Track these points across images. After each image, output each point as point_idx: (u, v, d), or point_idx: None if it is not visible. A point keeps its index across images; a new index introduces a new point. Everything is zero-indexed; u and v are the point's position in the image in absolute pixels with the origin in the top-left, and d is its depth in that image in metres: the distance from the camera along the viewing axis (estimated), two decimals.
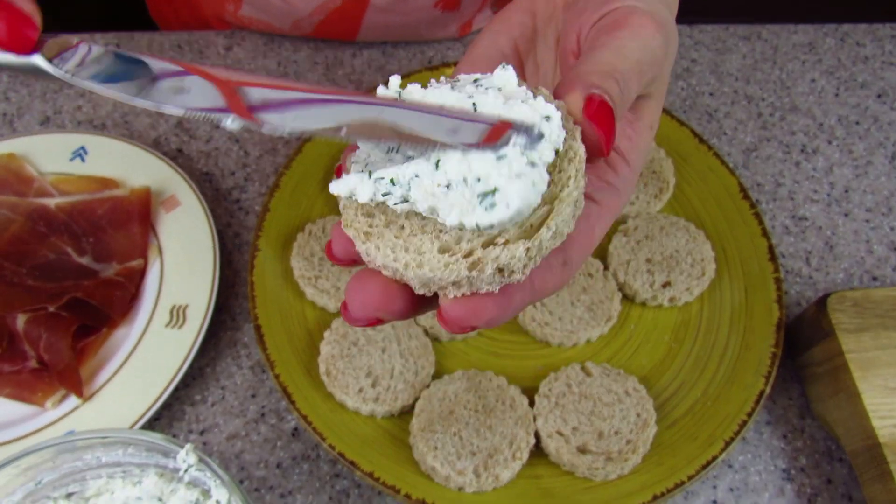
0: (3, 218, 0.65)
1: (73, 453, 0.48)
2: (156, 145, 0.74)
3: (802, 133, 0.77)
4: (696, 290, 0.62)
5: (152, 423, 0.59)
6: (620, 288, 0.63)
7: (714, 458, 0.54)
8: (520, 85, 0.29)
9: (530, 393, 0.57)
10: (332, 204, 0.67)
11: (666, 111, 0.72)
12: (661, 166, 0.68)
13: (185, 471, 0.46)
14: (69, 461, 0.48)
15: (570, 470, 0.54)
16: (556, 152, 0.28)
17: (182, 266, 0.63)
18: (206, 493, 0.49)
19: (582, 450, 0.54)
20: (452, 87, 0.29)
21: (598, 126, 0.29)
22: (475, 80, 0.29)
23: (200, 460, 0.46)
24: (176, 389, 0.60)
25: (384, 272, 0.28)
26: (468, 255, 0.27)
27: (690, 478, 0.53)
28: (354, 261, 0.31)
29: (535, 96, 0.28)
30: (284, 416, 0.59)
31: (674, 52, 0.34)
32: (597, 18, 0.32)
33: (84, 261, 0.64)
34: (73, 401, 0.57)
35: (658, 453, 0.55)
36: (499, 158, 0.26)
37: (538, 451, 0.55)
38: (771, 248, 0.64)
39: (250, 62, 0.80)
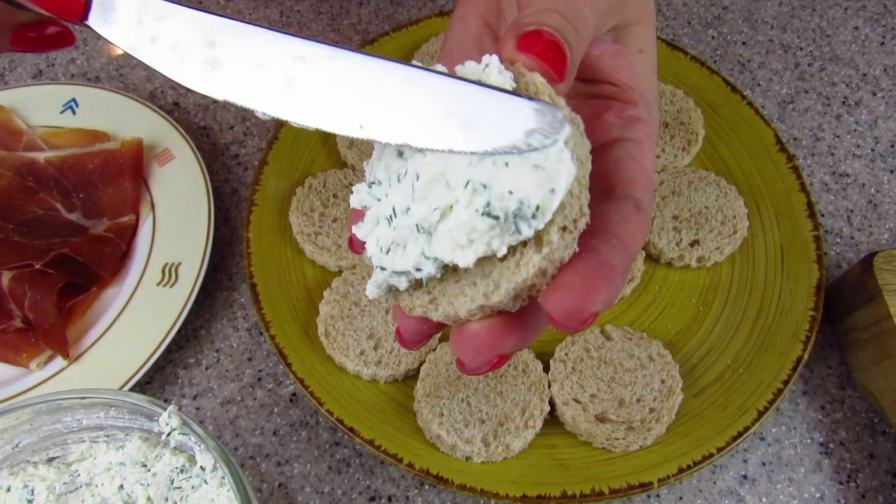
0: None
1: (51, 415, 0.45)
2: (151, 98, 0.70)
3: (844, 84, 0.71)
4: (727, 250, 0.57)
5: (143, 387, 0.55)
6: (644, 247, 0.58)
7: (746, 430, 0.49)
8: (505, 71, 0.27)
9: (545, 358, 0.53)
10: (335, 157, 0.62)
11: (695, 58, 0.67)
12: (689, 117, 0.63)
13: (168, 434, 0.43)
14: (48, 423, 0.45)
15: (587, 440, 0.50)
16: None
17: (175, 222, 0.59)
18: (193, 459, 0.45)
19: (601, 418, 0.49)
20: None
21: (531, 53, 0.27)
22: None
23: (184, 423, 0.42)
24: (168, 352, 0.57)
25: (474, 318, 0.27)
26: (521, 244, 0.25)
27: (720, 450, 0.49)
28: (429, 335, 0.31)
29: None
30: (282, 380, 0.56)
31: None
32: None
33: (73, 217, 0.60)
34: (59, 362, 0.54)
35: (684, 423, 0.50)
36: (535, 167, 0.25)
37: (553, 420, 0.51)
38: (810, 205, 0.59)
39: (251, 12, 0.76)
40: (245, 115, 0.69)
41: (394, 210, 0.27)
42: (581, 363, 0.52)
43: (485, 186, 0.25)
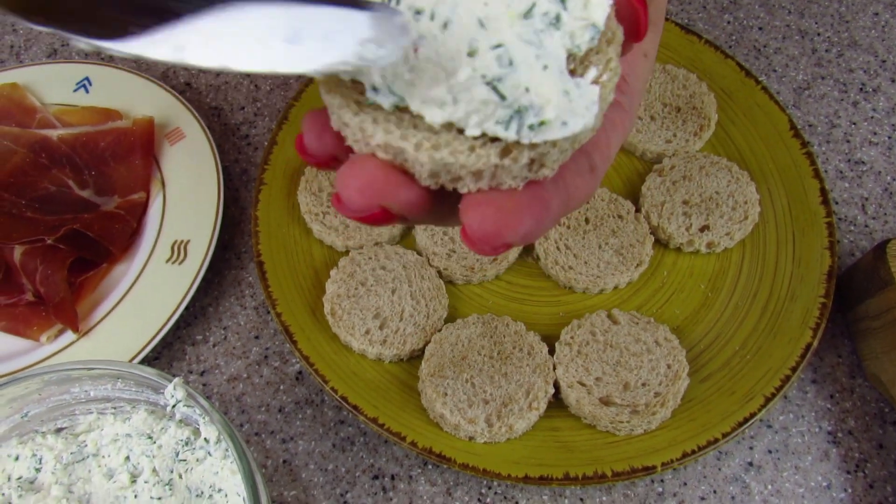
0: (4, 149, 0.62)
1: (60, 385, 0.45)
2: (164, 78, 0.70)
3: (862, 71, 0.70)
4: (738, 235, 0.56)
5: (151, 363, 0.56)
6: (653, 232, 0.57)
7: (752, 416, 0.49)
8: None
9: (550, 341, 0.52)
10: None
11: (709, 42, 0.66)
12: (702, 102, 0.62)
13: (174, 406, 0.43)
14: (56, 394, 0.46)
15: (591, 423, 0.49)
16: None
17: (185, 200, 0.60)
18: (198, 432, 0.46)
19: (605, 402, 0.49)
20: None
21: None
22: None
23: (189, 395, 0.42)
24: (177, 328, 0.57)
25: (381, 156, 0.23)
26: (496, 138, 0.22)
27: (725, 435, 0.48)
28: (335, 157, 0.25)
29: None
30: (288, 358, 0.56)
31: None
32: None
33: (85, 194, 0.61)
34: (68, 336, 0.54)
35: (689, 408, 0.50)
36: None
37: (557, 402, 0.51)
38: (823, 191, 0.58)
39: None
40: (256, 95, 0.69)
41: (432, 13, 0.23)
42: (587, 346, 0.52)
43: (511, 63, 0.22)
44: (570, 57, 0.23)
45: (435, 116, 0.22)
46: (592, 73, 0.23)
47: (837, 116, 0.67)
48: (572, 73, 0.23)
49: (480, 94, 0.21)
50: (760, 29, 0.73)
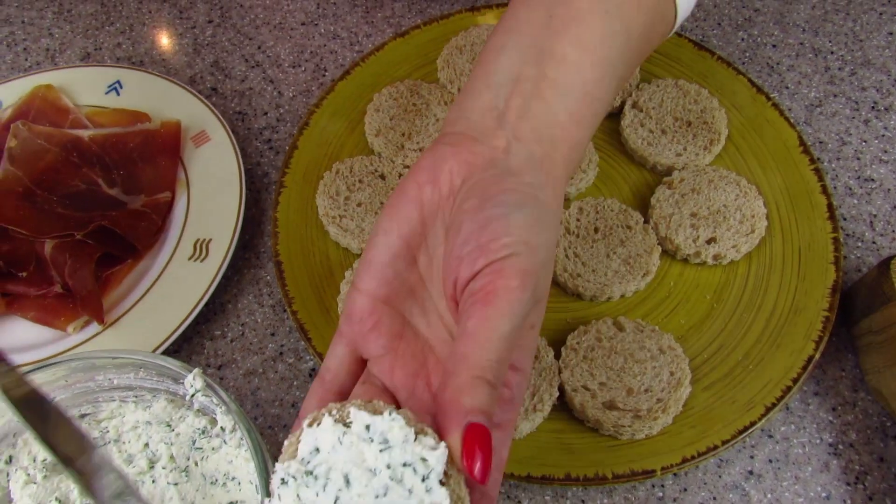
0: (38, 147, 0.65)
1: (85, 373, 0.48)
2: (191, 83, 0.73)
3: (874, 89, 0.71)
4: (744, 248, 0.57)
5: (171, 356, 0.58)
6: (661, 242, 0.59)
7: (752, 424, 0.50)
8: (409, 424, 0.31)
9: (556, 346, 0.54)
10: (362, 144, 0.64)
11: (721, 59, 0.67)
12: (713, 117, 0.63)
13: (192, 396, 0.45)
14: (82, 381, 0.48)
15: (594, 427, 0.51)
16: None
17: (208, 201, 0.62)
18: (214, 422, 0.48)
19: (608, 406, 0.51)
20: (344, 434, 0.31)
21: (474, 464, 0.30)
22: (367, 427, 0.31)
23: (207, 385, 0.44)
24: (196, 323, 0.59)
25: None
26: None
27: (725, 442, 0.49)
28: None
29: (416, 437, 0.31)
30: (302, 356, 0.58)
31: (552, 264, 0.37)
32: (472, 273, 0.34)
33: (113, 192, 0.64)
34: (94, 327, 0.57)
35: (691, 415, 0.51)
36: None
37: (561, 406, 0.52)
38: (830, 207, 0.59)
39: (288, 3, 0.78)
40: (279, 102, 0.72)
41: None
42: (592, 352, 0.53)
43: None
44: None
45: None
46: None
47: (848, 134, 0.68)
48: None
49: None
50: (774, 46, 0.74)
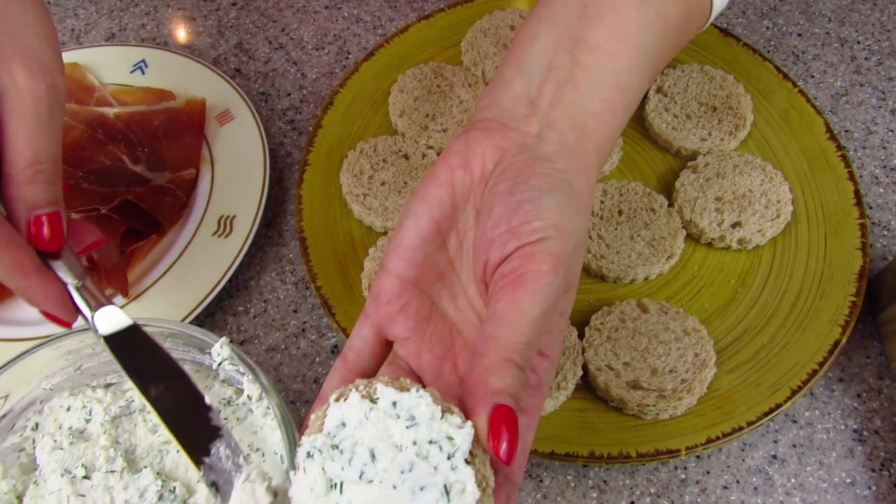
0: (64, 124, 0.65)
1: None
2: (215, 64, 0.73)
3: None
4: (770, 233, 0.57)
5: None
6: (685, 226, 0.58)
7: (778, 406, 0.50)
8: (436, 402, 0.31)
9: (580, 327, 0.54)
10: (386, 124, 0.65)
11: (747, 45, 0.67)
12: (738, 102, 0.63)
13: (219, 364, 0.45)
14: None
15: (617, 406, 0.51)
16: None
17: (232, 178, 0.62)
18: (240, 392, 0.48)
19: (633, 385, 0.50)
20: (371, 409, 0.32)
21: (500, 445, 0.30)
22: (394, 403, 0.31)
23: (234, 354, 0.45)
24: (219, 299, 0.60)
25: None
26: None
27: (750, 424, 0.49)
28: None
29: (443, 415, 0.31)
30: (325, 332, 0.58)
31: (583, 250, 0.37)
32: (503, 256, 0.34)
33: (138, 169, 0.64)
34: (118, 300, 0.57)
35: (715, 397, 0.51)
36: None
37: (584, 386, 0.52)
38: (857, 193, 0.58)
39: None
40: (302, 83, 0.72)
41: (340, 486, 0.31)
42: (616, 332, 0.53)
43: None
44: None
45: None
46: None
47: (875, 123, 0.67)
48: None
49: None
50: (799, 35, 0.73)
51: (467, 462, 0.30)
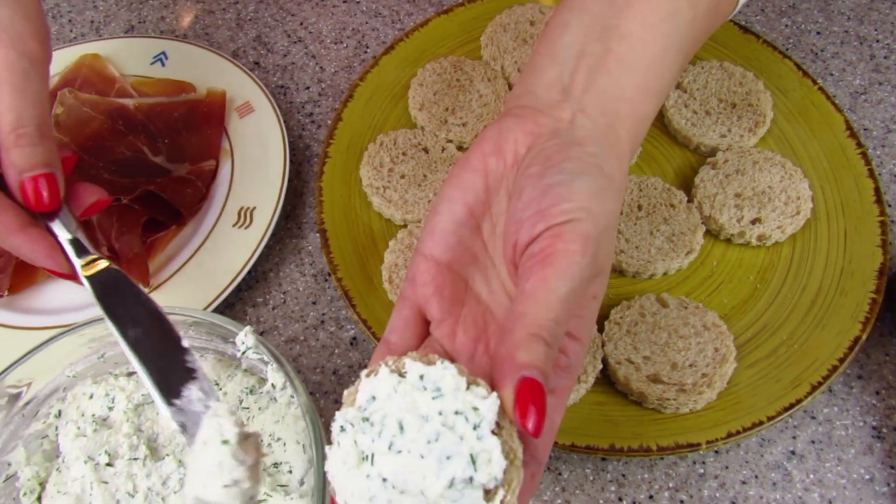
0: (85, 115, 0.66)
1: None
2: (234, 57, 0.73)
3: None
4: (789, 229, 0.57)
5: None
6: (704, 222, 0.58)
7: (798, 402, 0.50)
8: (461, 374, 0.32)
9: (599, 321, 0.54)
10: (405, 118, 0.65)
11: (767, 42, 0.67)
12: (758, 99, 0.63)
13: (244, 353, 0.46)
14: None
15: (637, 400, 0.51)
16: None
17: (252, 170, 0.63)
18: (263, 381, 0.48)
19: (653, 379, 0.50)
20: (399, 383, 0.32)
21: (527, 417, 0.30)
22: (421, 376, 0.32)
23: (258, 342, 0.45)
24: (238, 290, 0.60)
25: None
26: None
27: (770, 419, 0.49)
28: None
29: (468, 386, 0.31)
30: (344, 324, 0.58)
31: (614, 234, 0.37)
32: (531, 237, 0.34)
33: (158, 160, 0.64)
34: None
35: (735, 392, 0.51)
36: None
37: (604, 379, 0.52)
38: (877, 191, 0.58)
39: None
40: (321, 77, 0.72)
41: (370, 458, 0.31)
42: (636, 326, 0.53)
43: None
44: (485, 491, 0.30)
45: None
46: (500, 494, 0.30)
47: (894, 121, 0.67)
48: (487, 497, 0.30)
49: None
50: (818, 33, 0.73)
51: (494, 433, 0.31)
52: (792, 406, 0.50)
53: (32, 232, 0.43)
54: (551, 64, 0.39)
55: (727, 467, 0.52)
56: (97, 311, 0.56)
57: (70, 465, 0.47)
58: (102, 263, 0.44)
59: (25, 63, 0.42)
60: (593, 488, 0.51)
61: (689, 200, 0.59)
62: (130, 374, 0.50)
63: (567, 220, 0.34)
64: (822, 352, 0.52)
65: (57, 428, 0.48)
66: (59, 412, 0.49)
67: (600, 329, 0.53)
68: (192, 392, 0.38)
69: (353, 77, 0.72)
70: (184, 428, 0.38)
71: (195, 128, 0.65)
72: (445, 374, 0.32)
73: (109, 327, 0.45)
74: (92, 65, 0.69)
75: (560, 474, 0.51)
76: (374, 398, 0.32)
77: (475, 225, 0.38)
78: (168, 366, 0.39)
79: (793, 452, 0.52)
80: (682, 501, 0.51)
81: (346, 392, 0.34)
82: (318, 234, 0.62)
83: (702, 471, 0.52)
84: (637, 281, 0.57)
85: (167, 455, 0.47)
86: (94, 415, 0.48)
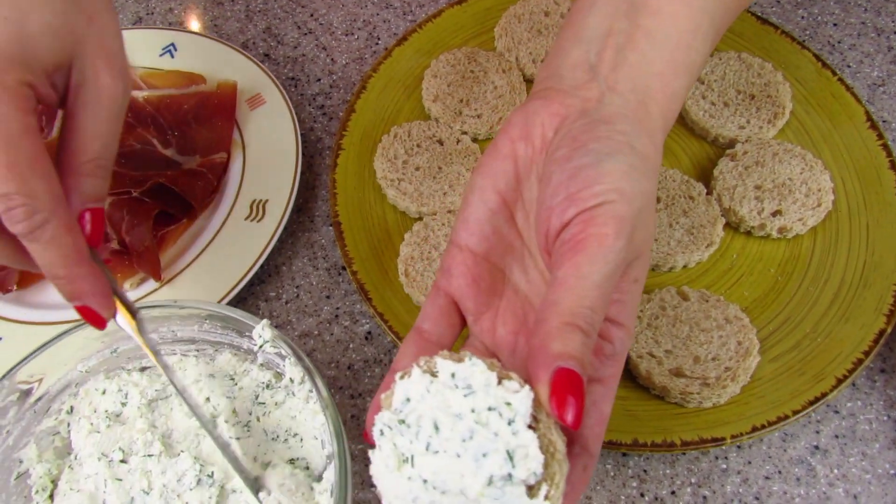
0: None
1: (149, 324, 0.47)
2: (244, 49, 0.72)
3: None
4: (811, 221, 0.56)
5: None
6: (724, 214, 0.57)
7: (823, 395, 0.49)
8: (490, 369, 0.31)
9: None
10: (419, 109, 0.64)
11: (785, 33, 0.66)
12: (777, 90, 0.62)
13: (261, 347, 0.45)
14: (145, 332, 0.47)
15: (659, 394, 0.50)
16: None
17: (264, 162, 0.62)
18: (279, 376, 0.47)
19: (676, 373, 0.50)
20: (431, 383, 0.31)
21: (565, 409, 0.29)
22: (452, 374, 0.31)
23: (276, 336, 0.44)
24: (251, 284, 0.59)
25: None
26: None
27: (795, 413, 0.48)
28: None
29: (499, 381, 0.31)
30: (359, 319, 0.57)
31: (651, 214, 0.35)
32: (563, 223, 0.33)
33: (168, 153, 0.63)
34: (150, 284, 0.57)
35: (759, 386, 0.50)
36: None
37: (625, 374, 0.51)
38: None
39: None
40: (332, 69, 0.71)
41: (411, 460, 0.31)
42: (656, 320, 0.52)
43: None
44: (528, 487, 0.30)
45: None
46: (544, 489, 0.29)
47: None
48: (531, 493, 0.29)
49: None
50: (835, 25, 0.72)
51: (531, 427, 0.30)
52: (817, 400, 0.49)
53: (96, 266, 0.40)
54: (576, 45, 0.38)
55: (750, 462, 0.51)
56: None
57: (83, 462, 0.46)
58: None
59: (125, 101, 0.41)
60: (614, 484, 0.50)
61: (708, 193, 0.58)
62: (143, 369, 0.49)
63: (598, 203, 0.33)
64: (847, 345, 0.51)
65: (69, 424, 0.47)
66: (71, 408, 0.48)
67: None
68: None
69: (364, 69, 0.71)
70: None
71: (206, 120, 0.64)
72: (475, 370, 0.31)
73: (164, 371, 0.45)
74: None
75: None
76: (408, 400, 0.32)
77: (509, 213, 0.37)
78: None
79: (816, 447, 0.52)
80: (704, 497, 0.50)
81: (382, 396, 0.33)
82: (331, 228, 0.61)
83: (724, 466, 0.51)
84: (657, 274, 0.56)
85: (182, 451, 0.46)
86: (106, 411, 0.47)
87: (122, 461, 0.46)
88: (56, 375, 0.47)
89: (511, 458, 0.29)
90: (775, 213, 0.57)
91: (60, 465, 0.47)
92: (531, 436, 0.30)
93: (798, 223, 0.56)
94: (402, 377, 0.32)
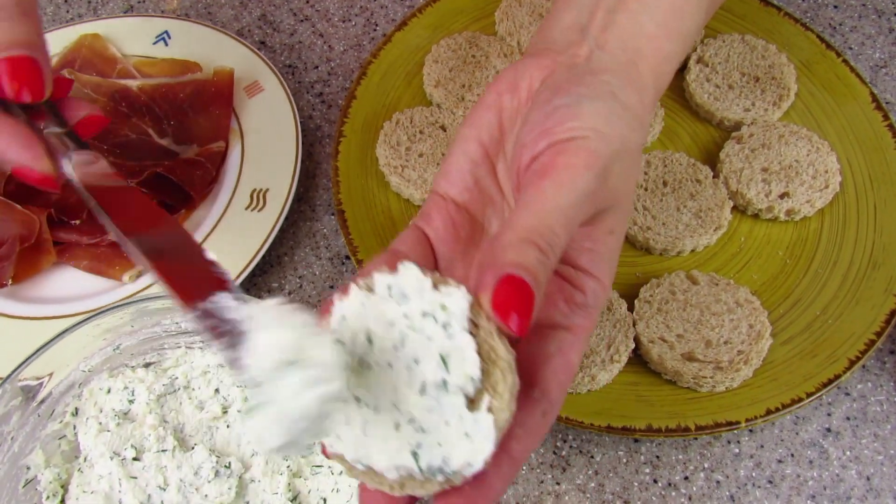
0: (85, 97, 0.63)
1: (151, 317, 0.46)
2: (239, 36, 0.71)
3: None
4: (818, 203, 0.56)
5: None
6: (731, 197, 0.57)
7: (836, 377, 0.49)
8: (424, 274, 0.29)
9: (629, 301, 0.52)
10: (420, 95, 0.63)
11: (788, 15, 0.66)
12: (781, 72, 0.62)
13: None
14: (148, 325, 0.47)
15: (672, 379, 0.49)
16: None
17: (263, 151, 0.60)
18: None
19: (688, 357, 0.49)
20: (367, 297, 0.30)
21: (509, 315, 0.27)
22: (388, 287, 0.30)
23: None
24: (252, 275, 0.58)
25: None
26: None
27: (809, 395, 0.48)
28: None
29: (435, 286, 0.29)
30: None
31: (631, 164, 0.34)
32: (533, 155, 0.32)
33: (164, 142, 0.62)
34: (149, 277, 0.55)
35: (771, 369, 0.50)
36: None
37: (636, 359, 0.51)
38: None
39: None
40: (329, 56, 0.70)
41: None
42: (667, 304, 0.51)
43: (423, 430, 0.28)
44: (467, 398, 0.28)
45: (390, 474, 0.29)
46: (486, 400, 0.27)
47: None
48: (472, 407, 0.27)
49: (406, 461, 0.28)
50: (836, 7, 0.72)
51: (471, 334, 0.28)
52: (830, 382, 0.49)
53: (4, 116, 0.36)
54: (568, 10, 0.38)
55: (762, 446, 0.51)
56: (107, 299, 0.55)
57: (94, 463, 0.45)
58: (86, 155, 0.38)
59: None
60: (627, 470, 0.50)
61: (715, 176, 0.58)
62: (148, 364, 0.48)
63: (571, 136, 0.31)
64: (858, 326, 0.51)
65: (75, 427, 0.46)
66: (76, 410, 0.46)
67: (630, 308, 0.52)
68: (222, 298, 0.31)
69: (363, 55, 0.69)
70: (219, 333, 0.29)
71: (202, 108, 0.63)
72: (409, 276, 0.29)
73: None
74: (92, 45, 0.66)
75: (592, 457, 0.50)
76: (343, 317, 0.30)
77: (490, 165, 0.36)
78: (189, 272, 0.33)
79: (828, 430, 0.51)
80: (718, 482, 0.50)
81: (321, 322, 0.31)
82: (333, 217, 0.60)
83: (737, 450, 0.50)
84: (665, 259, 0.56)
85: (196, 445, 0.45)
86: (114, 409, 0.46)
87: (136, 459, 0.45)
88: (58, 377, 0.45)
89: (445, 363, 0.28)
90: (783, 196, 0.56)
91: (69, 469, 0.46)
92: (468, 339, 0.28)
93: (806, 205, 0.56)
94: (339, 298, 0.31)
